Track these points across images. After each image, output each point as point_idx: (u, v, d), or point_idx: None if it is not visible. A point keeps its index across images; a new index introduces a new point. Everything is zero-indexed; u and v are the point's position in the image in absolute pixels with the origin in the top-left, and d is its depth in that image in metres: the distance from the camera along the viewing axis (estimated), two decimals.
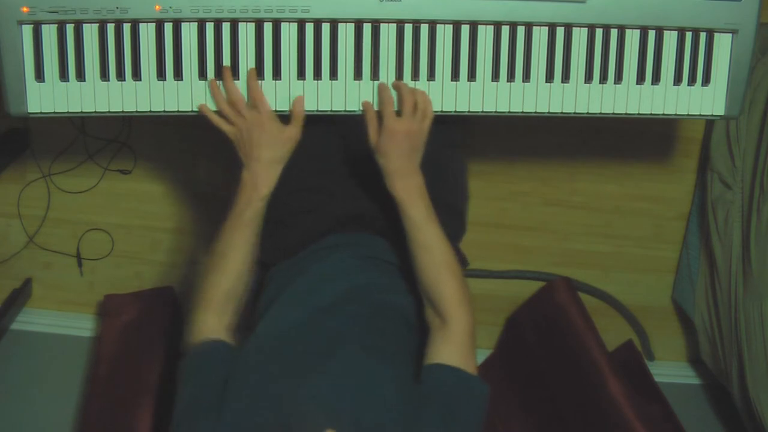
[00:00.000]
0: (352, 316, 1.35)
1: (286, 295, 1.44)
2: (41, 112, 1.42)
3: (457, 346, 1.30)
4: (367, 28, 1.43)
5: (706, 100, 1.52)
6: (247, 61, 1.42)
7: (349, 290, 1.41)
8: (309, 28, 1.42)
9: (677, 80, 1.51)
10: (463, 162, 1.72)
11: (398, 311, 1.43)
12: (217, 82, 1.42)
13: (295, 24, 1.42)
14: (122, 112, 1.43)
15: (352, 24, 1.43)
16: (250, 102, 1.41)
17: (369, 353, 1.26)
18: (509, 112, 1.49)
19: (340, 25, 1.43)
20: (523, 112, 1.49)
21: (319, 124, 1.47)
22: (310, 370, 1.22)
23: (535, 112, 1.49)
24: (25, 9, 1.36)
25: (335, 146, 1.57)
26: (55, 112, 1.42)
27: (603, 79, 1.49)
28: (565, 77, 1.48)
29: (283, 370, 1.24)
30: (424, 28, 1.44)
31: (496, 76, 1.47)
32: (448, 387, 1.24)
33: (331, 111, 1.45)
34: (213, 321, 1.34)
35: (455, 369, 1.26)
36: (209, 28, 1.41)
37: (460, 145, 1.69)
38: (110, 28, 1.39)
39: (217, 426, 1.17)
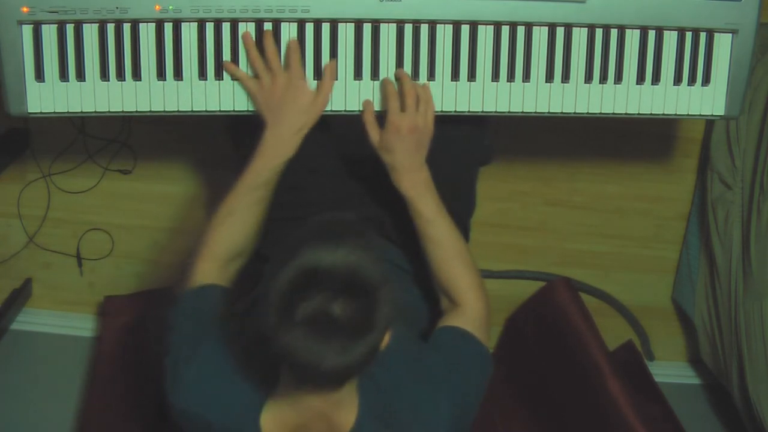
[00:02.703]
0: None
1: None
2: (41, 112, 1.42)
3: (469, 319, 1.31)
4: (367, 28, 1.43)
5: (706, 100, 1.52)
6: (247, 61, 1.42)
7: None
8: (309, 28, 1.42)
9: (677, 80, 1.51)
10: (475, 172, 1.72)
11: (404, 314, 1.43)
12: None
13: (295, 24, 1.42)
14: (122, 112, 1.43)
15: (352, 24, 1.43)
16: (285, 63, 1.40)
17: None
18: (509, 112, 1.49)
19: (340, 25, 1.42)
20: (523, 112, 1.49)
21: (318, 131, 1.47)
22: None
23: (535, 112, 1.49)
24: (25, 9, 1.36)
25: (338, 150, 1.57)
26: (55, 112, 1.42)
27: (603, 79, 1.49)
28: (565, 77, 1.48)
29: None
30: (424, 28, 1.44)
31: (496, 76, 1.47)
32: (455, 344, 1.27)
33: (332, 111, 1.45)
34: (214, 270, 1.33)
35: (464, 330, 1.28)
36: (209, 28, 1.41)
37: (476, 156, 1.69)
38: (110, 28, 1.39)
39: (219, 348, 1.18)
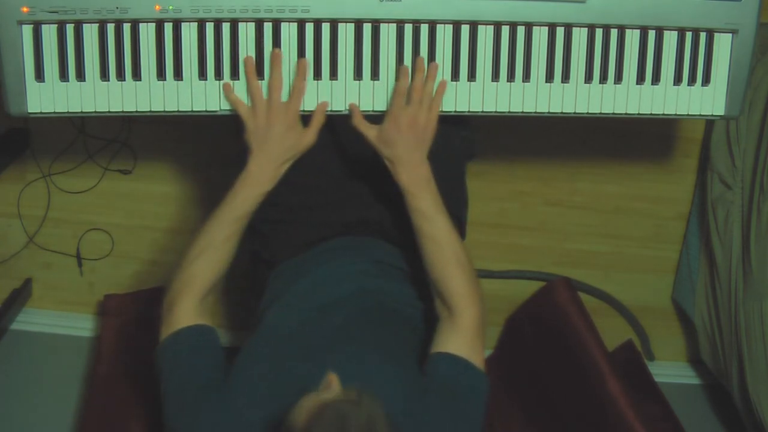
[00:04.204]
0: (357, 315, 1.35)
1: (291, 294, 1.44)
2: (41, 112, 1.42)
3: (463, 337, 1.30)
4: (367, 28, 1.43)
5: (706, 100, 1.52)
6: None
7: (354, 292, 1.41)
8: (309, 28, 1.42)
9: (677, 80, 1.50)
10: (462, 167, 1.72)
11: (403, 315, 1.43)
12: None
13: (295, 24, 1.42)
14: (122, 112, 1.43)
15: (352, 24, 1.43)
16: (287, 99, 1.40)
17: (372, 349, 1.27)
18: (509, 112, 1.49)
19: (340, 25, 1.42)
20: (523, 112, 1.49)
21: (321, 132, 1.47)
22: (314, 365, 1.22)
23: (535, 112, 1.49)
24: (25, 9, 1.36)
25: (337, 151, 1.57)
26: (55, 112, 1.42)
27: (603, 79, 1.49)
28: (565, 77, 1.48)
29: (287, 365, 1.24)
30: (424, 28, 1.44)
31: (496, 76, 1.47)
32: (451, 377, 1.25)
33: (331, 111, 1.45)
34: (192, 308, 1.32)
35: (459, 358, 1.26)
36: (209, 28, 1.41)
37: (460, 149, 1.69)
38: (110, 28, 1.39)
39: (221, 414, 1.18)
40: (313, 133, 1.40)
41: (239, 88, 1.42)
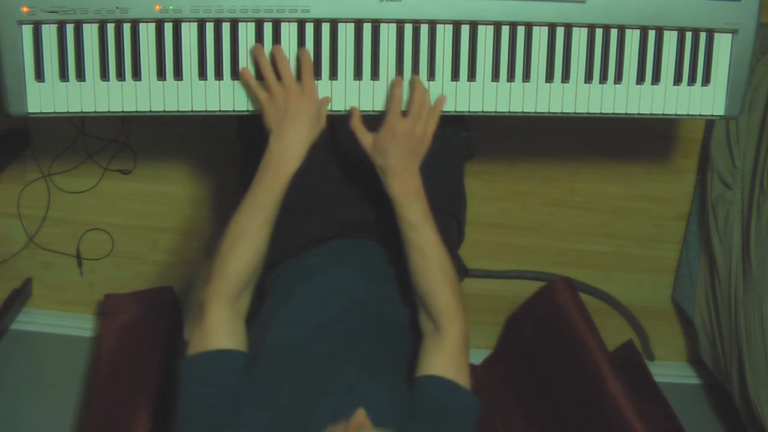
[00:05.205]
0: (351, 333, 1.34)
1: (288, 310, 1.42)
2: (41, 112, 1.42)
3: (449, 356, 1.29)
4: (367, 28, 1.43)
5: (706, 100, 1.52)
6: (247, 61, 1.42)
7: (349, 305, 1.40)
8: (309, 28, 1.42)
9: (677, 80, 1.51)
10: (461, 168, 1.72)
11: (397, 324, 1.42)
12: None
13: (295, 24, 1.42)
14: (122, 112, 1.43)
15: (352, 24, 1.43)
16: (299, 76, 1.39)
17: (366, 372, 1.26)
18: (509, 112, 1.49)
19: (340, 25, 1.42)
20: (523, 112, 1.49)
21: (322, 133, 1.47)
22: (312, 393, 1.22)
23: (535, 112, 1.49)
24: (25, 9, 1.36)
25: (337, 151, 1.57)
26: (55, 112, 1.42)
27: (603, 79, 1.49)
28: (565, 77, 1.48)
29: (287, 393, 1.23)
30: (424, 28, 1.44)
31: (496, 76, 1.47)
32: (439, 401, 1.24)
33: (332, 111, 1.45)
34: (224, 312, 1.29)
35: (447, 381, 1.26)
36: (209, 28, 1.41)
37: (459, 149, 1.69)
38: (110, 28, 1.39)
39: None
40: (325, 105, 1.40)
41: (239, 88, 1.42)
